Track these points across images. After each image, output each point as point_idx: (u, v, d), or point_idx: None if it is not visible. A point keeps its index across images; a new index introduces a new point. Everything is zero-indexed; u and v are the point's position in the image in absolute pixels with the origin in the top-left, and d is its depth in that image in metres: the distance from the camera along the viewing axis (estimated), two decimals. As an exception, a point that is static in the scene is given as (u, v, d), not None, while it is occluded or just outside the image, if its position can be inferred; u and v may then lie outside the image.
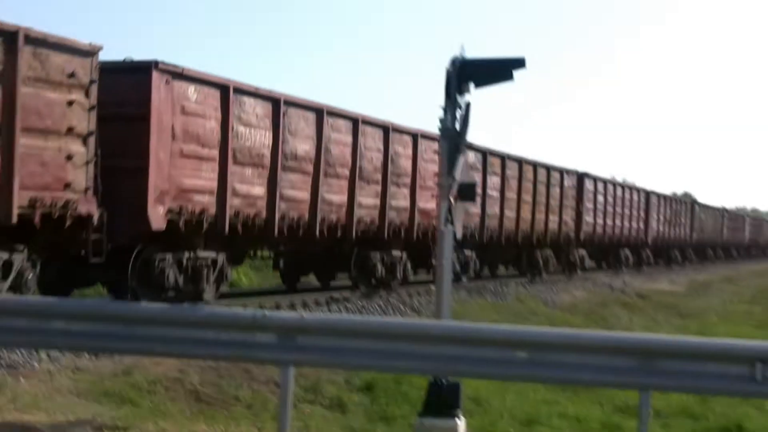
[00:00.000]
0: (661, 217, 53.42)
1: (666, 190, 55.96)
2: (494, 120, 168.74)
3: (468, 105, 11.16)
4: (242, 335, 10.01)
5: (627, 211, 46.58)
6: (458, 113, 11.12)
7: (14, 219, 13.38)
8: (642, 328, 26.51)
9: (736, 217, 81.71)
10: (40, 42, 13.59)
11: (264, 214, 19.09)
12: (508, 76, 11.28)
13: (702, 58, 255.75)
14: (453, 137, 11.14)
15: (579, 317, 27.28)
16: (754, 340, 11.01)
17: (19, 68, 13.24)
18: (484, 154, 30.06)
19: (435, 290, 12.41)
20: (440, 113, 11.15)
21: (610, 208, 43.64)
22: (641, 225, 49.14)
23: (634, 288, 38.71)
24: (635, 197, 48.42)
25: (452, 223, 11.17)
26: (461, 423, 10.63)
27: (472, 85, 11.18)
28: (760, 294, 45.58)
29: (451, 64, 11.05)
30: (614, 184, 46.09)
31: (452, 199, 11.17)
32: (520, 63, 11.23)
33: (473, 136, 31.31)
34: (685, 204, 61.87)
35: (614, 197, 44.49)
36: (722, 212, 74.52)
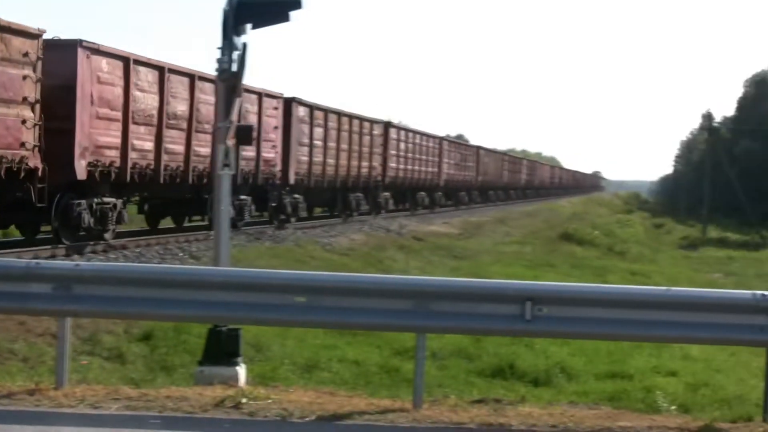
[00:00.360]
0: (452, 162, 58.43)
1: (440, 132, 60.44)
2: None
3: (245, 46, 10.86)
4: (16, 286, 9.54)
5: (424, 157, 51.31)
6: (235, 55, 10.83)
7: (-14, 173, 16.58)
8: (418, 271, 26.60)
9: (514, 160, 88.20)
10: (5, 29, 16.74)
11: (153, 165, 22.59)
12: (284, 17, 11.06)
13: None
14: (230, 79, 10.87)
15: (357, 261, 27.07)
16: (524, 281, 12.15)
17: (-8, 51, 16.38)
18: (311, 108, 33.99)
19: (213, 236, 11.91)
20: (218, 55, 10.86)
21: (410, 155, 48.29)
22: (435, 169, 53.97)
23: (411, 230, 38.80)
24: (431, 144, 53.17)
25: (230, 166, 10.95)
26: (242, 370, 10.47)
27: (249, 27, 10.90)
28: (531, 235, 48.10)
29: (228, 3, 10.76)
30: (414, 132, 50.66)
31: (229, 143, 10.96)
32: (296, 4, 10.97)
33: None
34: (472, 149, 67.24)
35: (414, 144, 49.09)
36: (503, 156, 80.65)
